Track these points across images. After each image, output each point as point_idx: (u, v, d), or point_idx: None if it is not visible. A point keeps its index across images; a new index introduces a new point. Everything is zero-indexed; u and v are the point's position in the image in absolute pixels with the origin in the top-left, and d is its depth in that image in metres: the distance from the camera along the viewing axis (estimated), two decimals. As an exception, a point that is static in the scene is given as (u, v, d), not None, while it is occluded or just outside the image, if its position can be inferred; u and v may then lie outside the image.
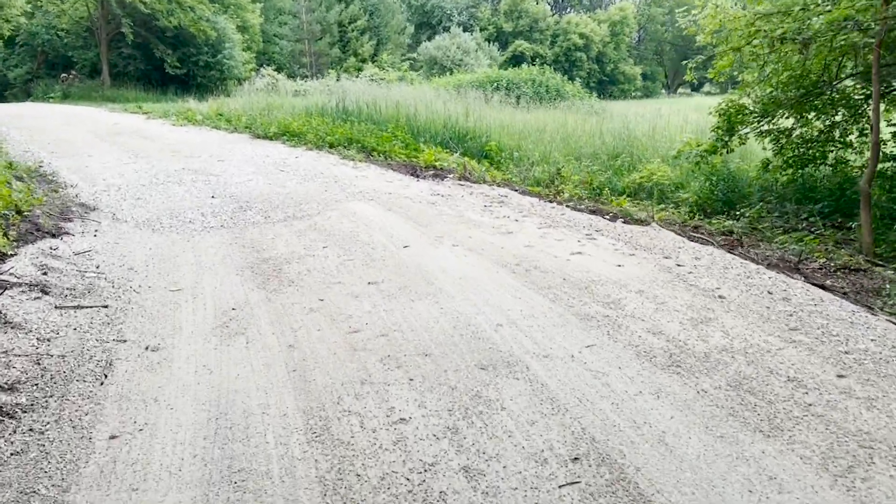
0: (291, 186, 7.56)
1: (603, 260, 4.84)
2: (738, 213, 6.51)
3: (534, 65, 50.44)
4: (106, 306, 3.79)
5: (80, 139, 12.25)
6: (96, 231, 5.56)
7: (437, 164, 9.23)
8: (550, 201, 6.93)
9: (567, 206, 6.74)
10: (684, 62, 8.02)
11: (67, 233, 5.40)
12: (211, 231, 5.63)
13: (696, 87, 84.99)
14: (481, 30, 60.02)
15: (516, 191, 7.52)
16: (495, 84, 29.26)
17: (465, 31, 54.19)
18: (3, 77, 33.62)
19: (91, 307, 3.77)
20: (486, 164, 10.08)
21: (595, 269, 4.61)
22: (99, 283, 4.21)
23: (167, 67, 28.87)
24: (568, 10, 75.05)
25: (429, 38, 56.70)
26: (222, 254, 4.94)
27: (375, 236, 5.40)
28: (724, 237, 5.67)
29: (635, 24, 72.85)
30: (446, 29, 58.56)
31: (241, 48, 31.61)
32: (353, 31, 41.19)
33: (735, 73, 7.21)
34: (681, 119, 15.62)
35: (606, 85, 64.79)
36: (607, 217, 6.29)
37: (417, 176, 8.59)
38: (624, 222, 6.04)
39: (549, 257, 4.85)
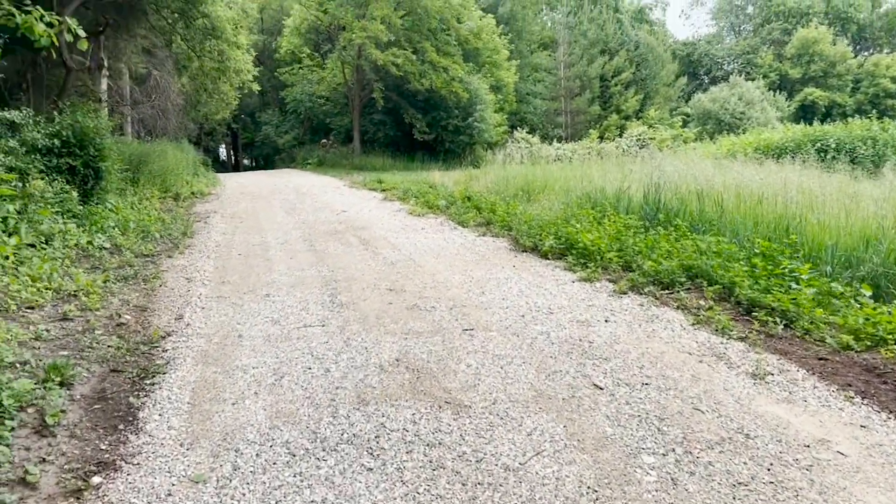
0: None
1: None
2: None
3: (830, 117, 40.84)
4: None
5: (283, 246, 8.78)
6: None
7: None
8: None
9: None
10: None
11: None
12: None
13: None
14: (763, 77, 51.32)
15: None
16: (817, 144, 21.79)
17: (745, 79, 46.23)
18: (275, 143, 34.92)
19: None
20: None
21: None
22: None
23: (415, 133, 26.70)
24: (871, 50, 62.26)
25: (695, 91, 49.68)
26: None
27: None
28: None
29: (974, 60, 57.62)
30: (716, 80, 50.99)
31: (492, 109, 28.52)
32: (616, 84, 36.36)
33: None
34: None
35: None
36: None
37: None
38: None
39: None
